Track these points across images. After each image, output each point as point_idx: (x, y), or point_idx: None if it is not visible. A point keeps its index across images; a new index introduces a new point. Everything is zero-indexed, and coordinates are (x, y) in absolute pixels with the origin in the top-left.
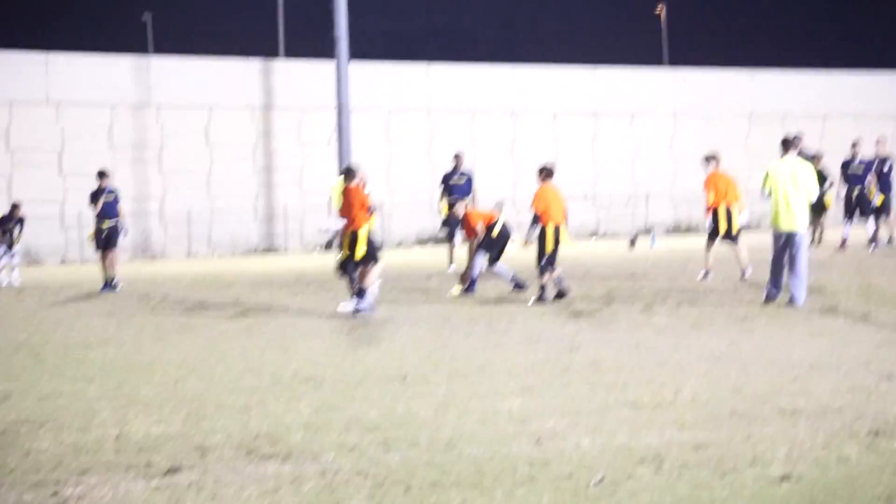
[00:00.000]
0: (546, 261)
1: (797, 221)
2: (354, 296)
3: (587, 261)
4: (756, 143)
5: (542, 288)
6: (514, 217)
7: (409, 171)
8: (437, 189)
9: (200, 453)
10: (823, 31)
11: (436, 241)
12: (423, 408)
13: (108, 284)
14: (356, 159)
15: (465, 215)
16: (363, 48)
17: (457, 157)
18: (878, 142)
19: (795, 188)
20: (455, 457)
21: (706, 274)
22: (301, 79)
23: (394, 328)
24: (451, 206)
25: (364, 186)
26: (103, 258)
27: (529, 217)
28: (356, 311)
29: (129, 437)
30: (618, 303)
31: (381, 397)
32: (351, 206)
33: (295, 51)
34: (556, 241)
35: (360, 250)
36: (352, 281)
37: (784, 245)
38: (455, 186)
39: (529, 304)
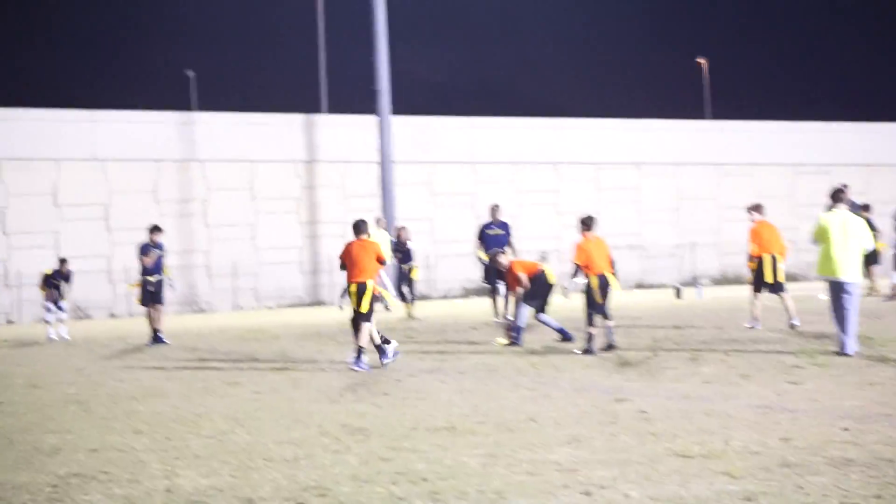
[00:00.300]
0: (594, 311)
1: (850, 270)
2: (356, 353)
3: (633, 311)
4: (800, 195)
5: (590, 338)
6: (559, 267)
7: (453, 222)
8: (475, 240)
9: None
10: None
11: (480, 292)
12: (470, 459)
13: (157, 338)
14: (400, 211)
15: (509, 266)
16: (405, 102)
17: (493, 208)
18: None
19: (846, 238)
20: None
21: (754, 324)
22: (344, 132)
23: (440, 379)
24: (491, 257)
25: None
26: (150, 313)
27: (571, 269)
28: (354, 367)
29: (178, 489)
30: (664, 353)
31: (428, 449)
32: (360, 258)
33: (337, 106)
34: (604, 291)
35: (365, 304)
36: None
37: (839, 292)
38: (492, 237)
39: (578, 352)
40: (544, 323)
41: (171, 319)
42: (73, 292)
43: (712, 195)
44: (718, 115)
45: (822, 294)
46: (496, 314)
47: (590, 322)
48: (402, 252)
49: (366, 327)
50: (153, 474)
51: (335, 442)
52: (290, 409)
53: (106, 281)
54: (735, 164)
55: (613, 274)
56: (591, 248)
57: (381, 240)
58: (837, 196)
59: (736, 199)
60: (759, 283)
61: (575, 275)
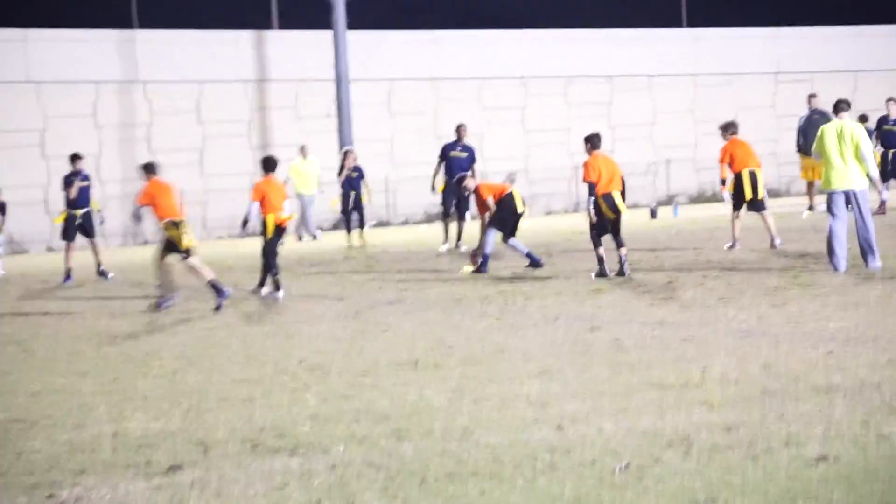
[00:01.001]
0: (600, 232)
1: (855, 179)
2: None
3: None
4: (781, 104)
5: (601, 260)
6: (527, 189)
7: (414, 144)
8: (435, 161)
9: (203, 449)
10: None
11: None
12: (436, 395)
13: (100, 273)
14: (358, 133)
15: (476, 189)
16: (362, 16)
17: (459, 128)
18: None
19: (846, 147)
20: (471, 445)
21: (733, 244)
22: (297, 50)
23: (402, 311)
24: (458, 181)
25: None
26: (69, 248)
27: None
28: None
29: (126, 434)
30: (640, 277)
31: (391, 385)
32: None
33: (289, 22)
34: (615, 212)
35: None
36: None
37: (841, 206)
38: (455, 160)
39: (592, 277)
40: (514, 248)
41: (111, 253)
42: (7, 224)
43: (688, 108)
44: (694, 22)
45: (806, 212)
46: (447, 239)
47: (596, 244)
48: (349, 177)
49: (193, 262)
50: (99, 418)
51: (292, 379)
52: (243, 346)
53: (42, 212)
54: (712, 73)
55: (623, 195)
56: (600, 165)
57: (308, 168)
58: (839, 106)
59: (714, 112)
60: (738, 200)
61: (590, 194)
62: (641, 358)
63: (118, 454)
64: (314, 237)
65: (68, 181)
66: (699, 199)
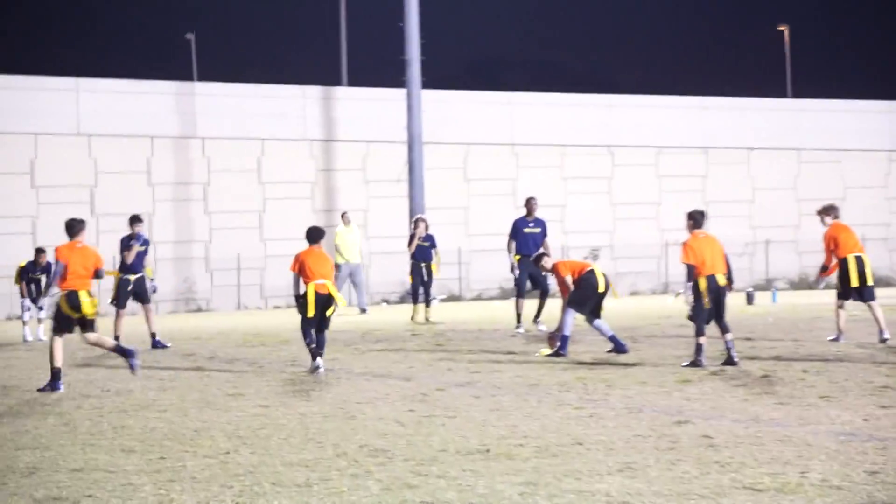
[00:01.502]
0: (701, 319)
1: None
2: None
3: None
4: (894, 184)
5: (698, 349)
6: (611, 267)
7: (490, 212)
8: (508, 239)
9: None
10: None
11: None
12: (507, 488)
13: (154, 343)
14: (430, 199)
15: (554, 268)
16: (436, 75)
17: (529, 202)
18: None
19: None
20: None
21: (837, 337)
22: (366, 108)
23: (472, 396)
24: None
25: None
26: (119, 315)
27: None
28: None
29: None
30: (733, 368)
31: (459, 475)
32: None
33: (359, 78)
34: (716, 296)
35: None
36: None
37: None
38: (529, 236)
39: (683, 365)
40: (598, 329)
41: (163, 320)
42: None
43: (790, 184)
44: (800, 92)
45: None
46: (520, 322)
47: (698, 331)
48: (420, 247)
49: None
50: (145, 499)
51: (353, 465)
52: (300, 426)
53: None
54: (818, 149)
55: (729, 279)
56: (702, 246)
57: (350, 236)
58: None
59: (817, 190)
60: (845, 288)
61: (688, 278)
62: (733, 457)
63: None
64: (363, 311)
65: (126, 244)
66: (800, 284)
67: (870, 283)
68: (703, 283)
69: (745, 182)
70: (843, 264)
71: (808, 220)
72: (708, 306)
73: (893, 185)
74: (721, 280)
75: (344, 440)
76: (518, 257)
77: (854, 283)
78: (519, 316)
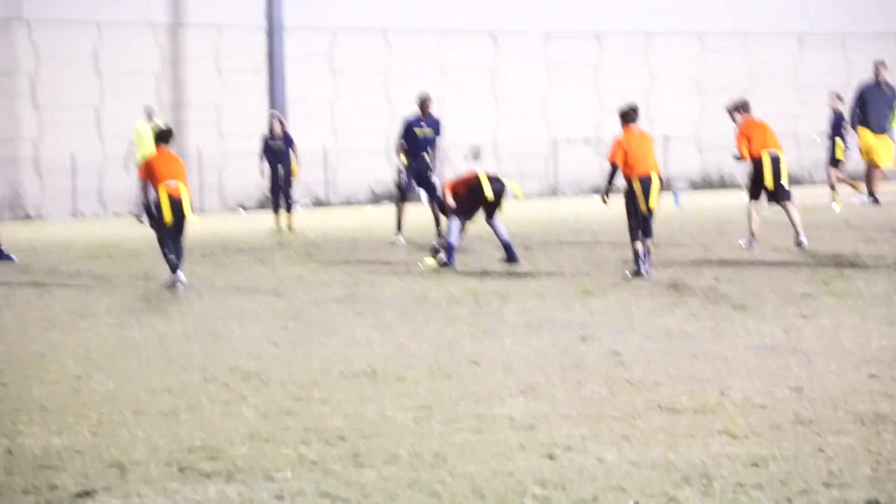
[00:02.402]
0: (637, 223)
1: None
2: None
3: (593, 223)
4: (808, 72)
5: (637, 256)
6: (494, 167)
7: (361, 108)
8: (397, 141)
9: (119, 472)
10: None
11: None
12: (400, 413)
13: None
14: (292, 93)
15: (450, 189)
16: None
17: (424, 102)
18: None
19: None
20: (445, 475)
21: (750, 242)
22: None
23: (353, 312)
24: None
25: None
26: None
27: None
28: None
29: (22, 451)
30: (638, 278)
31: (345, 400)
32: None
33: None
34: (647, 196)
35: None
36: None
37: None
38: (421, 140)
39: (628, 276)
40: (495, 230)
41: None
42: None
43: (691, 73)
44: None
45: (836, 204)
46: (400, 229)
47: (633, 236)
48: (274, 148)
49: None
50: None
51: (224, 390)
52: (161, 348)
53: None
54: (720, 33)
55: (660, 177)
56: (634, 144)
57: (147, 135)
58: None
59: (719, 78)
60: (757, 189)
61: (611, 176)
62: (646, 375)
63: (14, 476)
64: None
65: None
66: (703, 184)
67: (785, 183)
68: (636, 185)
69: (642, 72)
70: (756, 163)
71: (711, 113)
72: (644, 209)
73: (804, 73)
74: (655, 182)
75: (211, 363)
76: (406, 160)
77: (768, 183)
78: (399, 223)
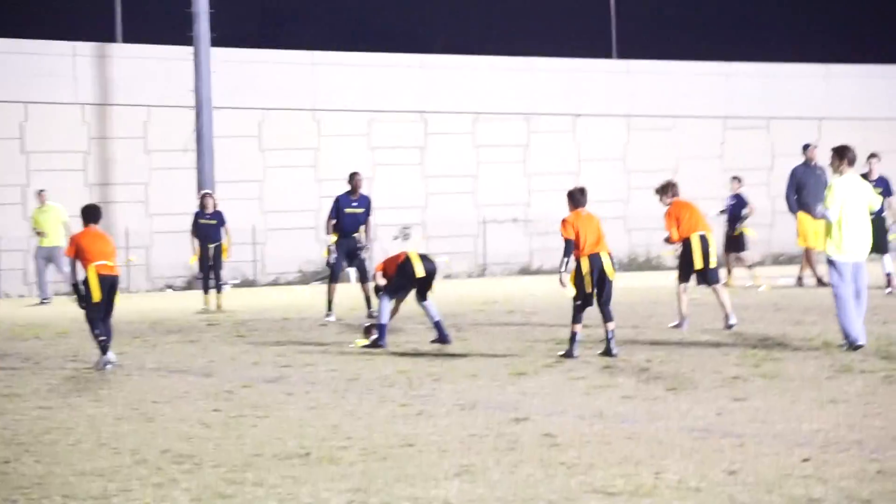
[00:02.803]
0: (582, 304)
1: (865, 248)
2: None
3: (522, 302)
4: (731, 154)
5: (573, 338)
6: (423, 246)
7: (290, 185)
8: (327, 219)
9: None
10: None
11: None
12: (334, 495)
13: None
14: (221, 172)
15: (378, 269)
16: (229, 31)
17: (353, 178)
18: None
19: (860, 209)
20: None
21: (680, 323)
22: (147, 68)
23: (285, 392)
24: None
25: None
26: None
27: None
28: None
29: None
30: (569, 359)
31: (279, 482)
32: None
33: (138, 33)
34: (599, 278)
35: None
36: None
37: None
38: (350, 217)
39: (560, 355)
40: (426, 310)
41: None
42: None
43: (620, 154)
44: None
45: (763, 286)
46: (331, 309)
47: (574, 318)
48: (206, 225)
49: None
50: None
51: (155, 472)
52: (91, 430)
53: None
54: (648, 115)
55: (610, 256)
56: (582, 225)
57: (44, 216)
58: (846, 155)
59: (649, 160)
60: (687, 270)
61: (566, 253)
62: (580, 457)
63: None
64: (43, 300)
65: None
66: (631, 265)
67: (713, 265)
68: (585, 264)
69: (570, 151)
70: (685, 244)
71: (637, 193)
72: (589, 289)
73: (729, 155)
74: (606, 260)
75: (143, 445)
76: (336, 238)
77: (698, 264)
78: (330, 302)
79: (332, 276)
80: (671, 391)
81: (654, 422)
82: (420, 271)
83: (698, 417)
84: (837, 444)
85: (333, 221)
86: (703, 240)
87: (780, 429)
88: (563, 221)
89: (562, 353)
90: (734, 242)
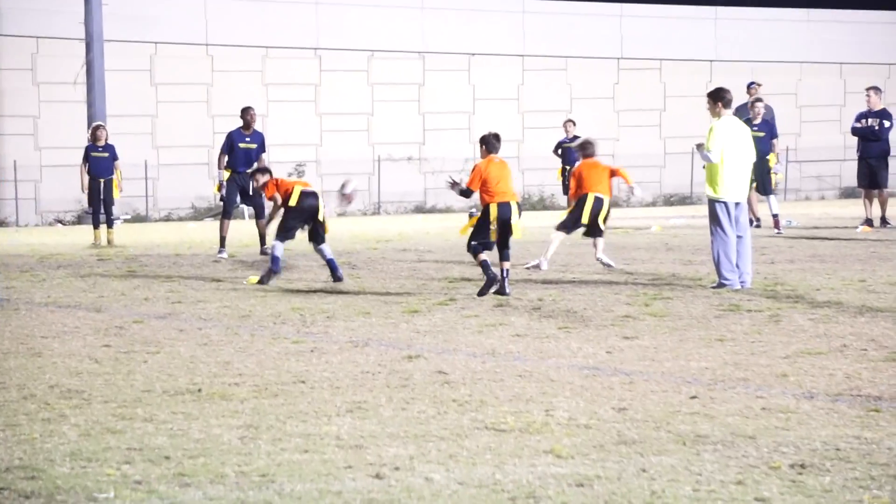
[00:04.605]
0: (481, 244)
1: (745, 189)
2: None
3: (414, 242)
4: (625, 93)
5: (485, 266)
6: (318, 185)
7: (181, 121)
8: (219, 155)
9: None
10: None
11: (215, 215)
12: (225, 432)
13: None
14: (113, 106)
15: (266, 186)
16: None
17: (246, 113)
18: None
19: (740, 151)
20: (272, 495)
21: (539, 264)
22: None
23: (176, 328)
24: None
25: None
26: None
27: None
28: None
29: None
30: (462, 297)
31: (169, 418)
32: None
33: None
34: (504, 224)
35: None
36: None
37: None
38: (243, 152)
39: (481, 293)
40: (319, 252)
41: None
42: None
43: (514, 94)
44: None
45: (654, 226)
46: (224, 246)
47: (475, 251)
48: (98, 158)
49: None
50: None
51: (44, 408)
52: None
53: None
54: (542, 56)
55: (518, 204)
56: (493, 171)
57: None
58: (724, 97)
59: (540, 101)
60: (572, 224)
61: (463, 195)
62: (472, 394)
63: None
64: None
65: None
66: (524, 205)
67: (601, 224)
68: (493, 211)
69: (465, 91)
70: (580, 200)
71: (531, 133)
72: (494, 237)
73: (621, 97)
74: (514, 210)
75: (30, 380)
76: (229, 173)
77: (584, 219)
78: (223, 239)
79: (225, 212)
80: (562, 329)
81: (545, 360)
82: (315, 206)
83: (589, 356)
84: (724, 382)
85: (226, 157)
86: (598, 201)
87: (668, 367)
88: (474, 169)
89: (483, 288)
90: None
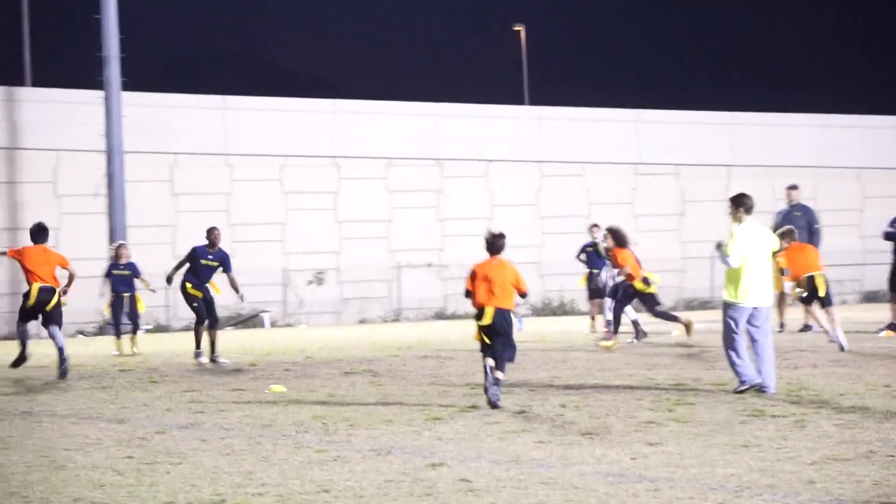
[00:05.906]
0: (485, 352)
1: (767, 294)
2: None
3: (439, 347)
4: (643, 198)
5: (487, 373)
6: (338, 292)
7: (202, 230)
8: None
9: None
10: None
11: (235, 324)
12: None
13: None
14: (133, 217)
15: None
16: (139, 75)
17: (211, 233)
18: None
19: (762, 255)
20: None
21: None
22: (57, 111)
23: (198, 439)
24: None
25: None
26: None
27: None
28: None
29: None
30: (484, 403)
31: None
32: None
33: (47, 78)
34: (502, 329)
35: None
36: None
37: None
38: (205, 268)
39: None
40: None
41: None
42: None
43: (532, 200)
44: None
45: (676, 330)
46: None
47: (483, 356)
48: (119, 276)
49: None
50: None
51: None
52: (1, 479)
53: None
54: (560, 161)
55: (511, 312)
56: (489, 273)
57: None
58: (746, 203)
59: (559, 206)
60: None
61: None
62: (496, 502)
63: None
64: None
65: None
66: (545, 310)
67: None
68: (489, 314)
69: (483, 197)
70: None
71: (550, 238)
72: (477, 339)
73: (639, 202)
74: (499, 317)
75: (54, 494)
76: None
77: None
78: (199, 343)
79: (199, 318)
80: (586, 436)
81: (569, 467)
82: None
83: (613, 462)
84: (750, 489)
85: (187, 266)
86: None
87: (693, 473)
88: (471, 270)
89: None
90: (597, 290)
